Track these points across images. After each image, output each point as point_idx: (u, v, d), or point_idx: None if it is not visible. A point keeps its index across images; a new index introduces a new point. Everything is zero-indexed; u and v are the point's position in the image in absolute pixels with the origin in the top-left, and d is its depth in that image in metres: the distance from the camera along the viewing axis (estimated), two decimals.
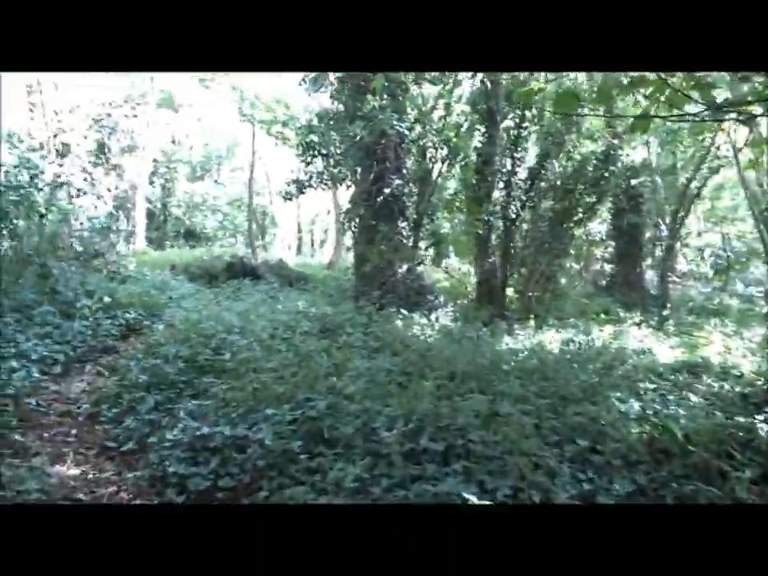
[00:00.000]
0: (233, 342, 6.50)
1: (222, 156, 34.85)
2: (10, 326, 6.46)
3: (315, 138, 11.55)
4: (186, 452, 3.67)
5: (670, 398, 5.88)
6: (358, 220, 11.24)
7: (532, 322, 10.05)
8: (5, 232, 8.86)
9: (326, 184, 11.72)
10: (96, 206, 19.29)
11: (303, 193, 11.45)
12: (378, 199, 10.35)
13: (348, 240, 22.96)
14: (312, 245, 39.67)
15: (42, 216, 8.70)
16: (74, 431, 4.54)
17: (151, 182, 29.51)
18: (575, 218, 11.19)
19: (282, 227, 37.31)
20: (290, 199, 11.48)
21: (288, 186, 11.66)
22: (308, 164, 11.56)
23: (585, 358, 7.39)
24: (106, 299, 7.72)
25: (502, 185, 11.39)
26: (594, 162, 10.98)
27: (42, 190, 9.25)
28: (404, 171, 10.90)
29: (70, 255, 10.85)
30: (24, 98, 21.87)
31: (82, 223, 11.98)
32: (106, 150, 27.64)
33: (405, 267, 10.49)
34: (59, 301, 7.45)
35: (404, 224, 10.74)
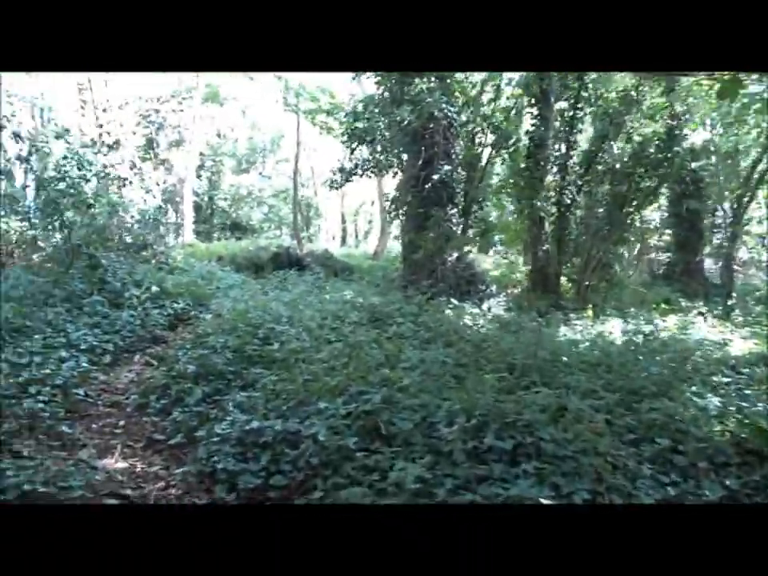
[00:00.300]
0: (281, 332, 6.32)
1: (267, 148, 35.02)
2: (61, 315, 6.43)
3: (361, 125, 11.30)
4: (235, 447, 3.47)
5: (748, 392, 5.40)
6: (405, 207, 10.93)
7: (589, 312, 9.55)
8: (56, 224, 8.94)
9: (372, 172, 11.45)
10: (145, 200, 19.59)
11: (350, 181, 11.22)
12: (427, 185, 10.02)
13: (394, 229, 22.73)
14: (356, 235, 39.59)
15: (89, 206, 8.71)
16: (121, 422, 4.42)
17: (198, 176, 29.86)
18: (634, 203, 10.59)
19: (327, 218, 37.34)
20: (336, 188, 11.28)
21: (334, 174, 11.45)
22: (353, 151, 11.30)
23: (650, 350, 6.91)
24: (154, 289, 7.67)
25: (555, 169, 10.89)
26: (656, 143, 10.35)
27: (89, 180, 9.29)
28: (453, 156, 10.53)
29: (120, 246, 10.93)
30: (75, 95, 22.39)
31: (132, 216, 12.07)
32: (155, 145, 28.15)
33: (455, 255, 10.14)
34: (108, 291, 7.42)
35: (453, 211, 10.38)
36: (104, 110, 15.63)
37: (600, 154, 10.48)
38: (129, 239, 11.16)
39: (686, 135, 10.77)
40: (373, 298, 9.10)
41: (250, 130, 33.24)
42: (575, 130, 10.57)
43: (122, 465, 3.69)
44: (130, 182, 11.30)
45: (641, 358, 6.38)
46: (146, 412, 4.56)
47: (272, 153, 35.60)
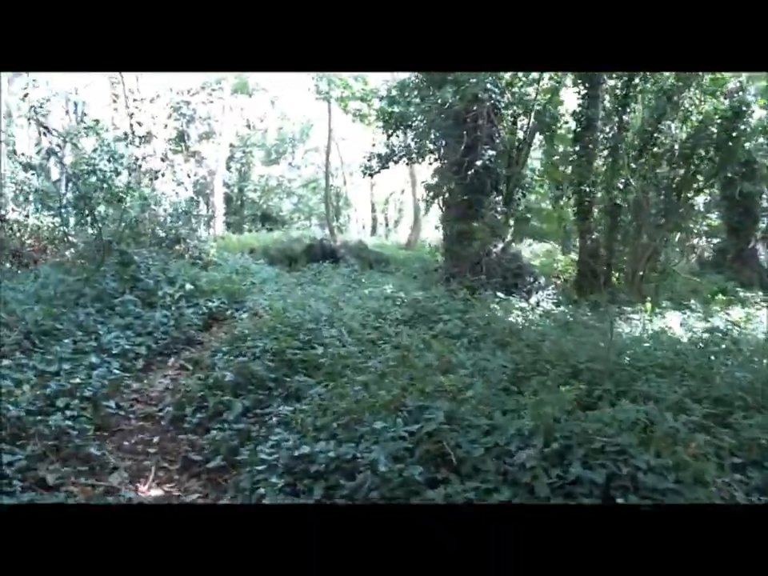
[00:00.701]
0: (322, 333, 5.89)
1: (296, 138, 34.69)
2: (92, 316, 6.11)
3: (397, 109, 10.76)
4: (282, 477, 3.03)
5: None
6: (446, 195, 10.39)
7: (647, 305, 8.90)
8: (87, 219, 8.66)
9: (409, 157, 10.91)
10: (177, 193, 19.40)
11: (385, 167, 10.73)
12: (470, 172, 9.45)
13: (429, 218, 22.16)
14: (386, 224, 39.09)
15: (120, 200, 8.39)
16: (155, 440, 4.04)
17: (228, 167, 29.70)
18: (694, 187, 9.85)
19: (356, 208, 36.95)
20: (371, 175, 10.80)
21: (368, 161, 10.95)
22: (389, 137, 10.78)
23: (724, 350, 6.28)
24: (188, 287, 7.32)
25: (606, 152, 10.21)
26: (719, 121, 9.56)
27: (120, 174, 8.98)
28: (497, 140, 9.93)
29: (152, 241, 10.65)
30: (108, 89, 22.34)
31: (165, 209, 11.79)
32: (186, 137, 28.11)
33: (500, 246, 9.57)
34: (140, 289, 7.10)
35: (498, 198, 9.80)
36: (134, 101, 15.38)
37: (656, 135, 9.74)
38: (161, 233, 10.88)
39: (752, 112, 9.94)
40: (414, 292, 8.62)
41: (280, 120, 32.93)
42: (628, 110, 9.85)
43: (156, 492, 3.30)
44: (162, 175, 10.99)
45: (712, 358, 5.80)
46: (182, 427, 4.16)
47: (301, 143, 35.29)
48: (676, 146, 9.72)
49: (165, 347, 6.05)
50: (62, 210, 8.84)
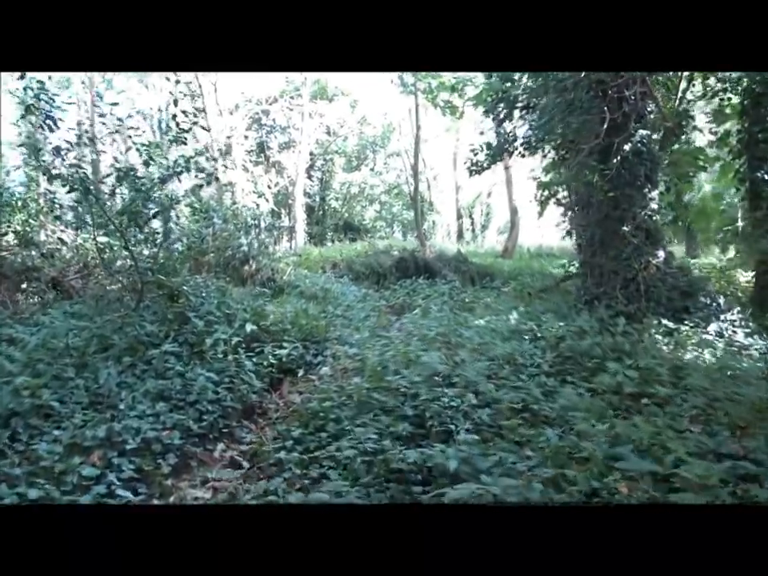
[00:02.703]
0: (439, 401, 3.82)
1: (377, 143, 33.10)
2: (112, 379, 4.31)
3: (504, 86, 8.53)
4: None
5: None
6: (580, 191, 8.03)
7: None
8: (141, 235, 7.00)
9: (525, 147, 8.63)
10: (258, 204, 17.96)
11: (498, 160, 8.51)
12: (615, 159, 7.07)
13: (522, 221, 19.64)
14: (473, 230, 36.75)
15: (169, 219, 6.67)
16: None
17: (309, 176, 28.42)
18: None
19: (441, 213, 34.99)
20: (479, 172, 8.61)
21: (475, 155, 8.75)
22: (501, 122, 8.55)
23: None
24: (250, 328, 5.40)
25: None
26: None
27: (201, 186, 7.27)
28: (652, 115, 7.48)
29: (219, 260, 8.98)
30: (188, 103, 21.51)
31: (239, 227, 10.09)
32: (265, 148, 27.14)
33: (661, 256, 7.09)
34: (187, 332, 5.26)
35: (654, 192, 7.32)
36: (200, 110, 13.93)
37: None
38: (229, 252, 9.20)
39: None
40: (551, 323, 6.32)
41: (360, 125, 31.49)
42: None
43: None
44: (238, 186, 9.34)
45: None
46: None
47: (382, 148, 33.73)
48: None
49: (211, 426, 4.13)
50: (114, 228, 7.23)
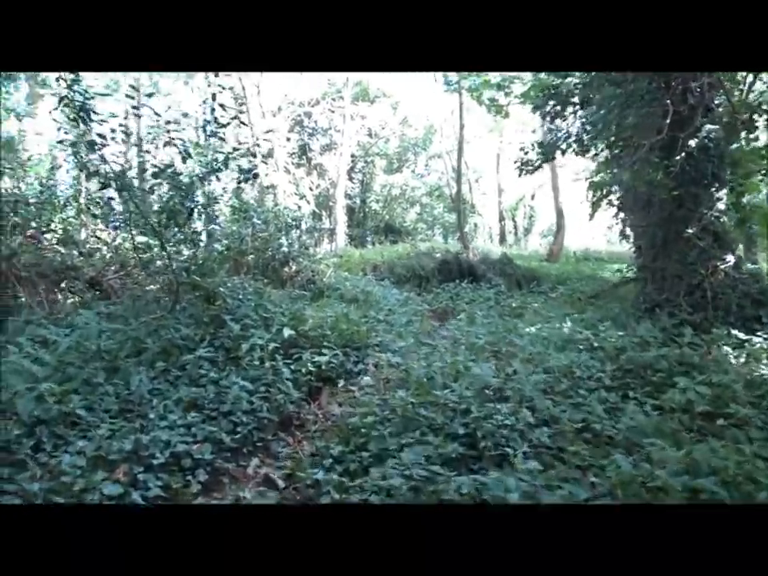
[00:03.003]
0: (492, 419, 3.45)
1: (419, 145, 32.79)
2: (143, 386, 4.09)
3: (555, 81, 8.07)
4: None
5: None
6: (632, 193, 7.51)
7: None
8: (181, 235, 6.81)
9: (578, 144, 8.16)
10: (299, 206, 17.82)
11: (549, 159, 8.06)
12: (679, 157, 6.54)
13: (566, 223, 18.95)
14: (515, 233, 36.05)
15: (209, 218, 6.46)
16: None
17: (350, 178, 28.29)
18: None
19: (482, 215, 34.43)
20: (530, 172, 8.16)
21: (525, 154, 8.32)
22: (554, 119, 8.10)
23: None
24: (287, 333, 5.12)
25: None
26: None
27: (242, 190, 7.08)
28: (721, 108, 6.93)
29: (258, 262, 8.78)
30: (234, 106, 21.66)
31: (280, 228, 9.86)
32: (307, 150, 27.15)
33: (730, 260, 6.53)
34: (223, 336, 5.02)
35: (722, 192, 6.76)
36: (239, 113, 13.87)
37: None
38: (268, 253, 8.99)
39: None
40: (609, 332, 5.85)
41: (401, 127, 31.24)
42: None
43: None
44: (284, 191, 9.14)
45: None
46: None
47: (424, 149, 33.41)
48: None
49: (245, 439, 3.85)
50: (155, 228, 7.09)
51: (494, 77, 14.79)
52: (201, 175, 5.86)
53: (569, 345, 5.69)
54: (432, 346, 5.57)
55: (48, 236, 7.02)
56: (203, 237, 7.25)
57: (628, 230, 9.20)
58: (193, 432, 3.67)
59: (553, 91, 8.34)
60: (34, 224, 7.09)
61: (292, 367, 4.81)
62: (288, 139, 24.43)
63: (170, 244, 6.62)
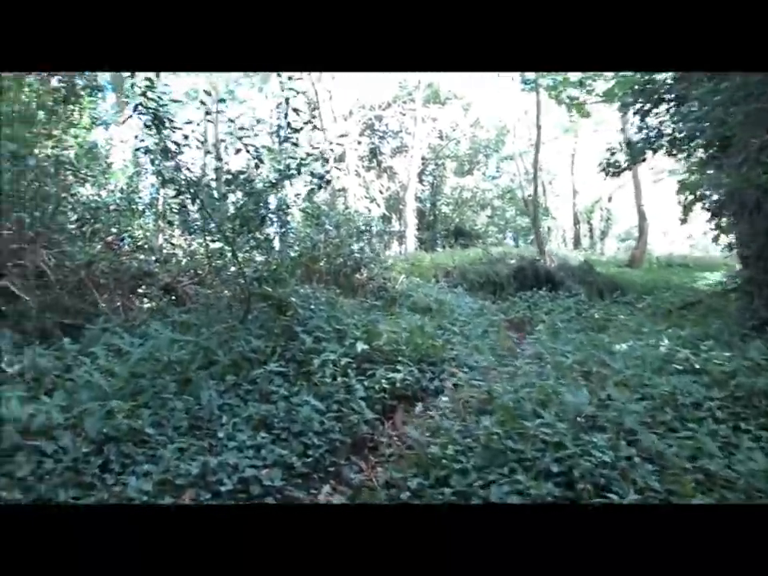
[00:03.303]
0: (586, 450, 3.06)
1: (490, 147, 32.11)
2: (212, 401, 3.94)
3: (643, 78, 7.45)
4: None
5: None
6: (736, 197, 6.82)
7: None
8: (254, 241, 6.72)
9: (673, 144, 7.51)
10: (369, 210, 17.69)
11: (639, 161, 7.46)
12: None
13: (650, 228, 17.85)
14: (591, 237, 34.68)
15: (282, 224, 6.31)
16: None
17: (420, 180, 28.00)
18: None
19: (556, 218, 33.39)
20: (616, 174, 7.59)
21: (612, 154, 7.75)
22: (644, 117, 7.50)
23: None
24: (361, 348, 4.88)
25: None
26: None
27: (314, 193, 6.91)
28: None
29: (329, 267, 8.63)
30: (307, 111, 21.90)
31: (351, 232, 9.69)
32: (378, 153, 27.12)
33: None
34: (294, 349, 4.83)
35: None
36: (311, 117, 13.75)
37: None
38: (340, 258, 8.82)
39: None
40: (713, 353, 5.27)
41: (473, 129, 30.70)
42: None
43: None
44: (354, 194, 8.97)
45: None
46: None
47: (495, 151, 32.71)
48: None
49: (316, 463, 3.62)
50: (227, 234, 7.06)
51: (575, 74, 14.12)
52: (274, 181, 5.71)
53: (666, 366, 5.15)
54: (514, 365, 5.18)
55: (126, 243, 7.10)
56: (276, 243, 7.15)
57: (725, 237, 8.45)
58: (262, 455, 3.47)
59: (642, 88, 7.74)
60: (113, 230, 7.22)
61: (365, 384, 4.56)
62: (359, 143, 24.46)
63: (243, 251, 6.55)
